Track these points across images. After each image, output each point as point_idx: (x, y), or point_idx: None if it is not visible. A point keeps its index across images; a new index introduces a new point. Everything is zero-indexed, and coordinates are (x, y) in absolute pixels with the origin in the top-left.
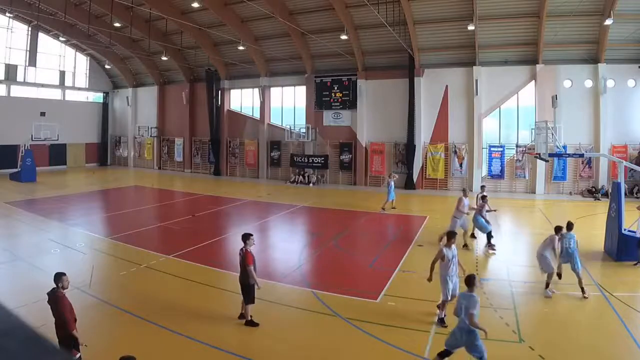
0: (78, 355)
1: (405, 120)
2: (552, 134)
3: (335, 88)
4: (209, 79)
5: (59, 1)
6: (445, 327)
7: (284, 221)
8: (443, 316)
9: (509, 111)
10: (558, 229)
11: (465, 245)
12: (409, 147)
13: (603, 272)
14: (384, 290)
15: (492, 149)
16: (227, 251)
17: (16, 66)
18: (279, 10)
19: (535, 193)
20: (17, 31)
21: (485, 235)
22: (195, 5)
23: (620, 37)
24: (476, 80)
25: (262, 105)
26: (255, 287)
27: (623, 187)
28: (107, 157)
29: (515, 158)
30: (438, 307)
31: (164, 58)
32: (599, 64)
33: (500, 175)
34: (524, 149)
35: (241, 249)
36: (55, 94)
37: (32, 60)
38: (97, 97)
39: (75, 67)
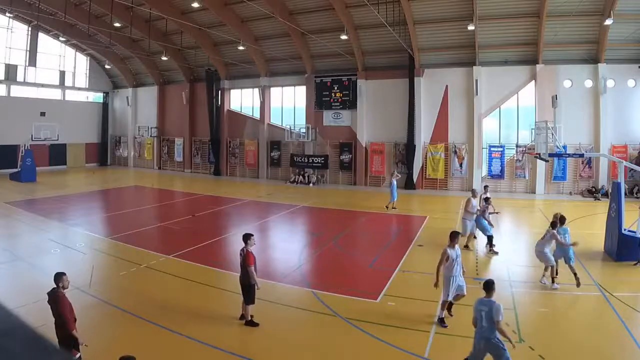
0: (78, 355)
1: (405, 120)
2: (552, 134)
3: (335, 88)
4: (209, 79)
5: (59, 1)
6: (445, 327)
7: (284, 221)
8: (443, 316)
9: (509, 111)
10: (554, 225)
11: (467, 246)
12: (409, 147)
13: (603, 272)
14: (384, 290)
15: (492, 149)
16: (227, 251)
17: (16, 66)
18: (279, 10)
19: (535, 193)
20: (17, 31)
21: (486, 235)
22: (195, 5)
23: (620, 37)
24: (476, 80)
25: (262, 105)
26: (255, 287)
27: (623, 187)
28: (107, 157)
29: (515, 158)
30: (449, 309)
31: (164, 58)
32: (599, 64)
33: (500, 175)
34: (524, 149)
35: (242, 249)
36: (55, 94)
37: (32, 60)
38: (97, 97)
39: (75, 67)
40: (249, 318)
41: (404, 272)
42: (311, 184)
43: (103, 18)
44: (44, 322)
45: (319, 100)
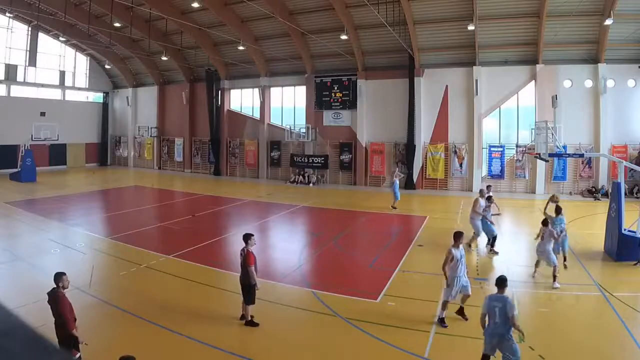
0: (78, 355)
1: (405, 120)
2: (552, 134)
3: (335, 88)
4: (209, 79)
5: (59, 1)
6: (445, 327)
7: (284, 221)
8: (443, 316)
9: (509, 111)
10: (546, 222)
11: (469, 245)
12: (409, 147)
13: (603, 272)
14: (384, 290)
15: (492, 149)
16: (227, 251)
17: (16, 66)
18: (279, 10)
19: (535, 193)
20: (17, 31)
21: (485, 235)
22: (195, 5)
23: (620, 37)
24: (476, 80)
25: (262, 105)
26: (255, 287)
27: (623, 187)
28: (107, 157)
29: (515, 158)
30: (461, 313)
31: (164, 58)
32: (599, 64)
33: (500, 175)
34: (524, 149)
35: (242, 249)
36: (55, 94)
37: (32, 60)
38: (97, 97)
39: (75, 67)
40: (249, 318)
41: (404, 272)
42: (311, 184)
43: (103, 18)
44: (44, 322)
45: (319, 100)
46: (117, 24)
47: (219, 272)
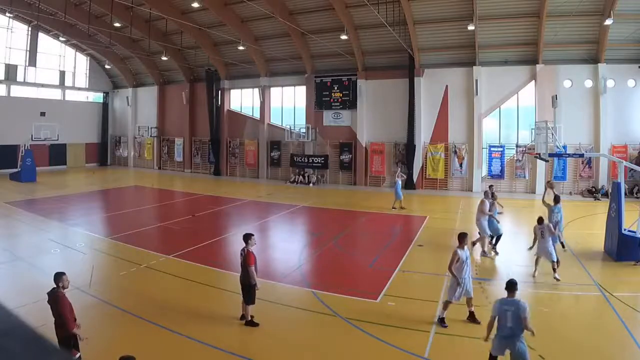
0: (78, 355)
1: (405, 120)
2: (552, 134)
3: (335, 88)
4: (209, 79)
5: (59, 1)
6: (445, 327)
7: (284, 221)
8: (444, 316)
9: (509, 111)
10: (541, 220)
11: (474, 243)
12: (409, 147)
13: (603, 272)
14: (384, 290)
15: (492, 149)
16: (227, 251)
17: (16, 66)
18: (279, 10)
19: (535, 193)
20: (17, 31)
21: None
22: (195, 5)
23: (620, 37)
24: (476, 80)
25: (262, 105)
26: (255, 287)
27: (623, 187)
28: (107, 157)
29: (515, 158)
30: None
31: (164, 58)
32: (599, 64)
33: (500, 175)
34: (524, 149)
35: (242, 249)
36: (55, 94)
37: (32, 60)
38: (97, 97)
39: (75, 67)
40: (249, 318)
41: (404, 272)
42: (311, 184)
43: (103, 18)
44: (44, 322)
45: (319, 100)
46: (117, 24)
47: (219, 272)
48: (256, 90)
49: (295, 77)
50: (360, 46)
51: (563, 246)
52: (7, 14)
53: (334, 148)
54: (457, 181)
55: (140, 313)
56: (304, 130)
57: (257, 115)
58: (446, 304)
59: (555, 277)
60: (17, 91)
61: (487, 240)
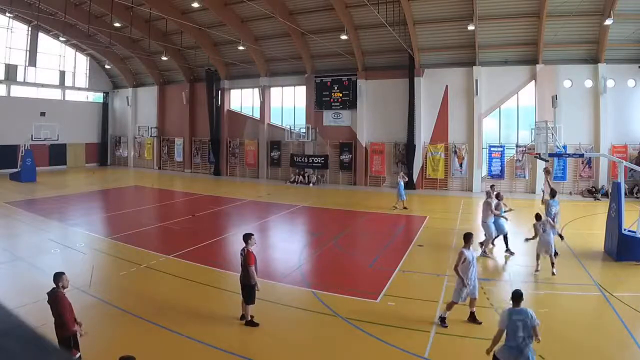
0: (78, 355)
1: (405, 120)
2: (552, 134)
3: (335, 88)
4: (209, 79)
5: (59, 1)
6: (446, 327)
7: (284, 221)
8: (446, 316)
9: (509, 111)
10: (539, 217)
11: (481, 244)
12: (409, 147)
13: (603, 272)
14: (384, 290)
15: (492, 149)
16: (227, 251)
17: (16, 66)
18: (279, 10)
19: (535, 193)
20: (17, 31)
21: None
22: (195, 5)
23: (620, 37)
24: (476, 80)
25: (262, 105)
26: (256, 287)
27: (623, 187)
28: (107, 157)
29: (515, 158)
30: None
31: (164, 58)
32: (599, 64)
33: (500, 175)
34: (524, 149)
35: (243, 249)
36: (55, 94)
37: (32, 60)
38: (97, 97)
39: (75, 67)
40: (249, 318)
41: (404, 272)
42: (311, 184)
43: (103, 18)
44: (44, 322)
45: (319, 100)
46: (117, 24)
47: (219, 272)
48: (256, 90)
49: (295, 77)
50: (360, 46)
51: (562, 238)
52: (7, 14)
53: (334, 148)
54: (457, 181)
55: (140, 313)
56: (304, 130)
57: (257, 115)
58: (451, 305)
59: (553, 272)
60: (17, 91)
61: (489, 241)
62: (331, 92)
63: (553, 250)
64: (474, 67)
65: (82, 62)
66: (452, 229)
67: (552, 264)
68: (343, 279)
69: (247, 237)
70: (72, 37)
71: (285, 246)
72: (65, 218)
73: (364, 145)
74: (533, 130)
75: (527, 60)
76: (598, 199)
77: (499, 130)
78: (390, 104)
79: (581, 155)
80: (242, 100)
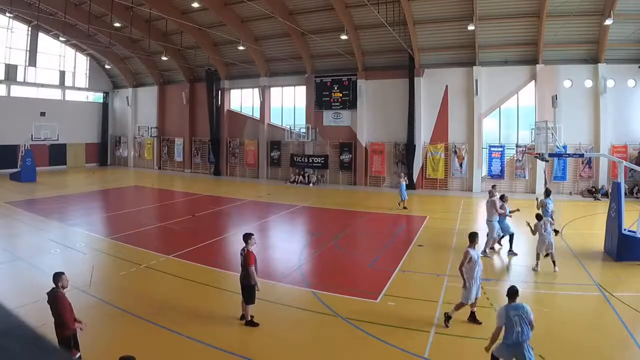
0: (78, 355)
1: (405, 120)
2: (552, 134)
3: (335, 88)
4: (209, 79)
5: (59, 1)
6: (448, 327)
7: (284, 221)
8: (452, 316)
9: (509, 111)
10: (539, 217)
11: (492, 248)
12: (409, 147)
13: (603, 272)
14: (384, 290)
15: (492, 149)
16: (227, 251)
17: (16, 66)
18: (279, 10)
19: (535, 193)
20: (17, 31)
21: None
22: (195, 5)
23: (620, 37)
24: (476, 80)
25: (262, 105)
26: (256, 287)
27: (623, 187)
28: (107, 157)
29: (515, 158)
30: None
31: (164, 58)
32: (599, 64)
33: (500, 175)
34: (524, 149)
35: (242, 249)
36: (55, 94)
37: (32, 60)
38: (97, 97)
39: (75, 67)
40: (249, 318)
41: (404, 272)
42: (311, 184)
43: (103, 18)
44: (44, 322)
45: (319, 100)
46: (117, 24)
47: (219, 272)
48: (256, 90)
49: (295, 77)
50: (360, 46)
51: (556, 232)
52: (7, 14)
53: (334, 148)
54: (457, 181)
55: (140, 313)
56: (304, 130)
57: (257, 115)
58: (460, 306)
59: (555, 269)
60: (17, 91)
61: (492, 241)
62: (331, 92)
63: (554, 250)
64: (474, 67)
65: (82, 62)
66: (452, 229)
67: (554, 262)
68: (343, 279)
69: (247, 237)
70: (72, 37)
71: (285, 246)
72: (65, 218)
73: (364, 145)
74: (533, 130)
75: (527, 60)
76: (598, 199)
77: (499, 130)
78: (390, 104)
79: (581, 155)
80: (242, 100)
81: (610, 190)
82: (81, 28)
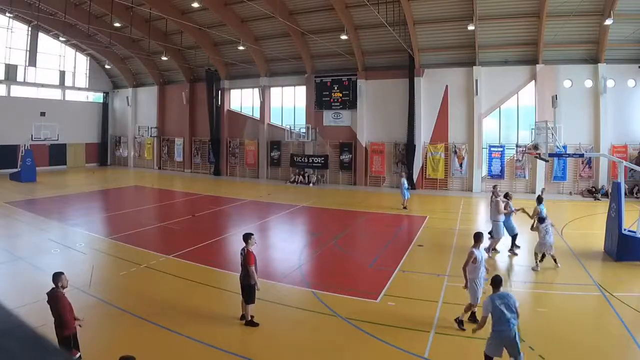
0: (78, 355)
1: (405, 120)
2: (552, 134)
3: (335, 88)
4: (209, 79)
5: (59, 1)
6: (464, 329)
7: (284, 221)
8: (463, 318)
9: (509, 111)
10: (542, 220)
11: (495, 249)
12: (409, 147)
13: (603, 272)
14: (384, 290)
15: (492, 149)
16: (227, 251)
17: (16, 66)
18: (279, 10)
19: (535, 193)
20: (17, 31)
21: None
22: (195, 5)
23: (620, 37)
24: (476, 80)
25: (262, 105)
26: (256, 287)
27: (623, 187)
28: (107, 157)
29: (515, 158)
30: (472, 312)
31: (164, 58)
32: (599, 64)
33: (500, 175)
34: (524, 149)
35: (242, 249)
36: (55, 94)
37: (32, 60)
38: (97, 97)
39: (75, 67)
40: (249, 318)
41: (404, 272)
42: (311, 184)
43: (103, 18)
44: (44, 322)
45: (319, 100)
46: (117, 24)
47: (219, 272)
48: (256, 90)
49: (295, 77)
50: (360, 46)
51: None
52: (7, 14)
53: (334, 148)
54: (457, 181)
55: (140, 313)
56: (304, 130)
57: (257, 115)
58: (469, 307)
59: (557, 265)
60: (17, 91)
61: (496, 242)
62: (331, 92)
63: (553, 251)
64: (474, 67)
65: (82, 62)
66: (452, 229)
67: (554, 260)
68: (343, 279)
69: (247, 237)
70: (72, 37)
71: (285, 246)
72: (65, 218)
73: (364, 145)
74: (533, 130)
75: (527, 60)
76: (598, 199)
77: (499, 130)
78: (390, 104)
79: (581, 155)
80: (242, 100)
81: (610, 190)
82: (81, 28)
